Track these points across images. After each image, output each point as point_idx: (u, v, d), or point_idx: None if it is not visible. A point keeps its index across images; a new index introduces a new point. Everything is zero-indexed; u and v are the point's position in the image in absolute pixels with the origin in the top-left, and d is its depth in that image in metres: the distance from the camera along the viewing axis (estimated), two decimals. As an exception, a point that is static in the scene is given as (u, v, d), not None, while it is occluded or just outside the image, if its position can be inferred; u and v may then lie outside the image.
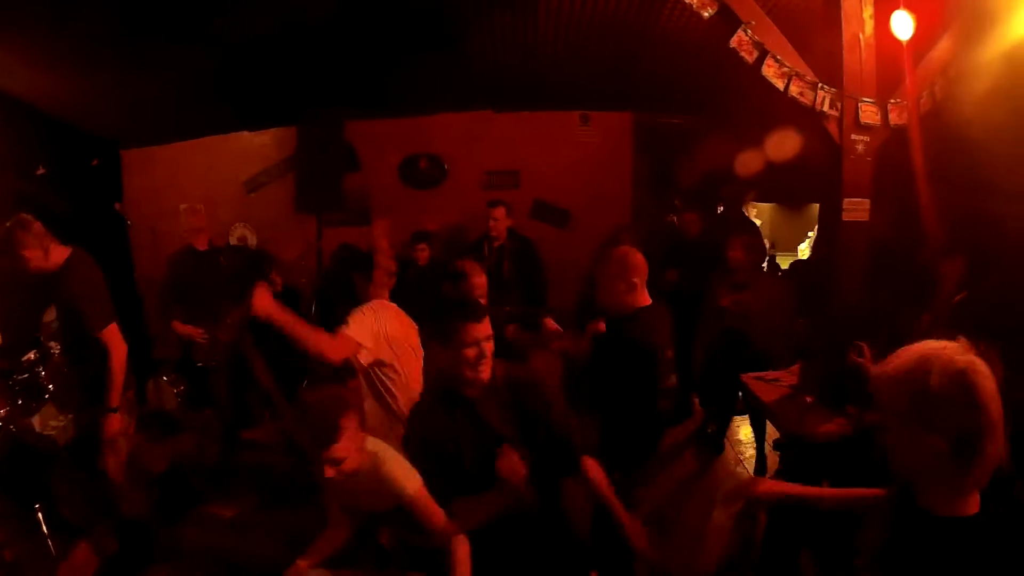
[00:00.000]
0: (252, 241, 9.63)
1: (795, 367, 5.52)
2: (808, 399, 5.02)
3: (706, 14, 4.62)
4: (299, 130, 9.29)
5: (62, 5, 6.02)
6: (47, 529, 5.28)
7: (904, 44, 4.80)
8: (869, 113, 4.74)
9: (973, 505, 2.16)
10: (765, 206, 9.75)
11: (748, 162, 8.11)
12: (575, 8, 6.62)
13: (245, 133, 9.72)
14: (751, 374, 5.78)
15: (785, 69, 4.65)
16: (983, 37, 4.80)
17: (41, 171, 8.52)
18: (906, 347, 2.20)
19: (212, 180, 9.60)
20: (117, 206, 8.11)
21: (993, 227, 4.94)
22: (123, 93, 7.93)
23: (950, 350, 2.12)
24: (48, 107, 8.08)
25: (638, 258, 4.45)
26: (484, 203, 8.23)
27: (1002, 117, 4.72)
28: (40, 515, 5.31)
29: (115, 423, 4.93)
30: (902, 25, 4.75)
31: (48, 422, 6.39)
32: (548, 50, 7.58)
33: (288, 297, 7.87)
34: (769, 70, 4.66)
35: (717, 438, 7.11)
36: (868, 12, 4.72)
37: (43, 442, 6.15)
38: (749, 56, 4.65)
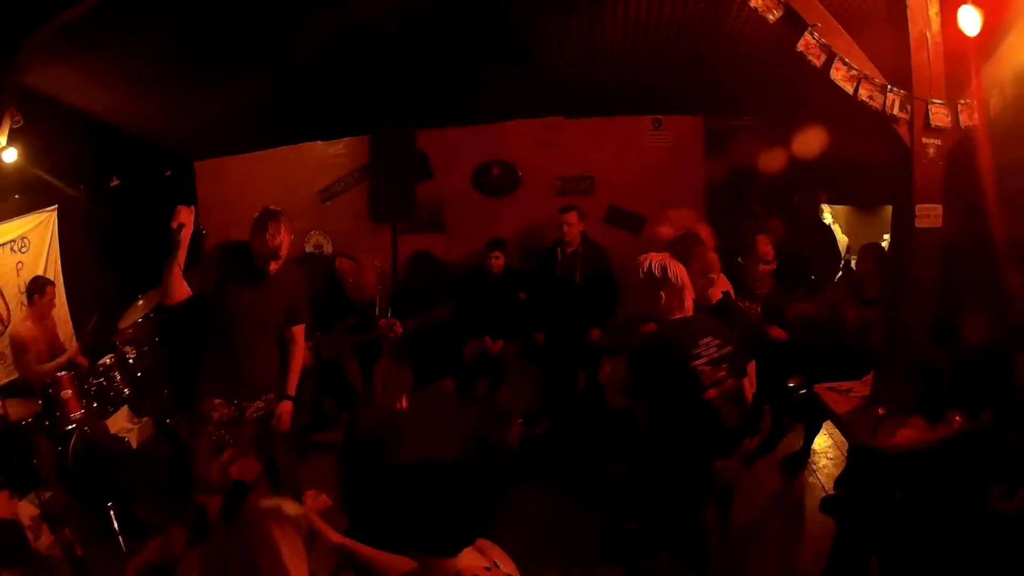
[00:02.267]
0: (328, 248, 9.75)
1: (868, 377, 5.36)
2: (880, 410, 4.89)
3: (771, 17, 4.54)
4: (372, 139, 9.47)
5: (132, 27, 6.20)
6: (118, 527, 5.43)
7: (972, 41, 4.64)
8: (939, 115, 4.58)
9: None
10: (840, 208, 9.50)
11: (819, 164, 7.96)
12: (641, 12, 6.58)
13: (318, 143, 9.85)
14: (824, 384, 5.63)
15: (854, 72, 4.53)
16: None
17: (115, 183, 8.77)
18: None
19: (286, 189, 9.71)
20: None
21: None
22: (194, 108, 8.14)
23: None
24: (121, 123, 8.31)
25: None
26: (557, 209, 8.26)
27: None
28: (112, 514, 5.46)
29: (288, 408, 5.45)
30: (969, 21, 4.56)
31: (123, 424, 6.58)
32: (617, 55, 7.56)
33: (364, 305, 8.02)
34: (837, 73, 4.54)
35: (803, 452, 6.99)
36: (934, 9, 4.54)
37: (116, 444, 6.36)
38: (817, 60, 4.55)
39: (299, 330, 5.52)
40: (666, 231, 6.65)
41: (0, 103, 6.65)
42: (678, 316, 4.41)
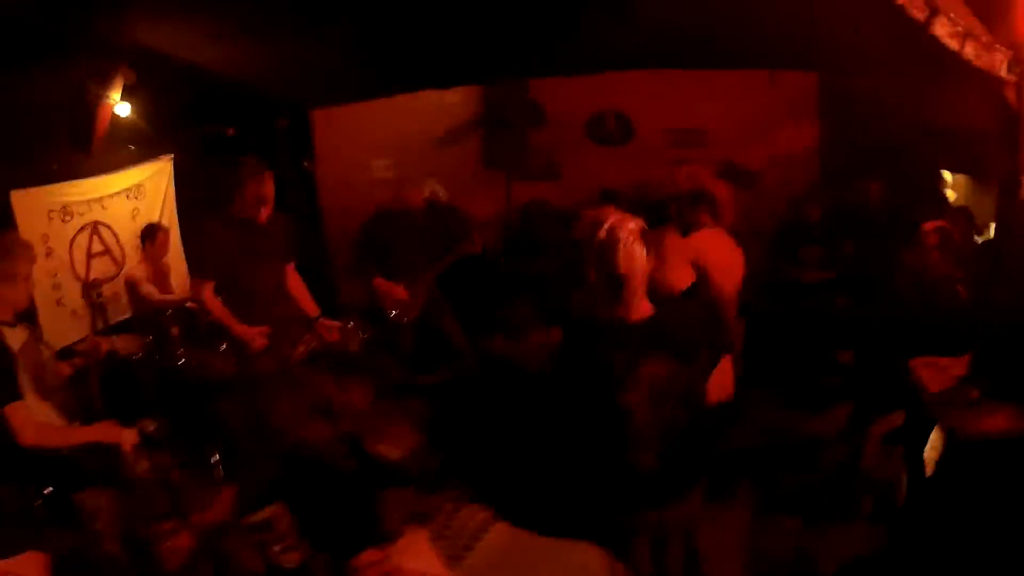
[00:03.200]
0: (443, 196, 9.82)
1: (967, 356, 5.09)
2: (974, 393, 4.64)
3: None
4: (486, 88, 9.57)
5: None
6: (218, 457, 5.62)
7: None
8: (1050, 79, 4.31)
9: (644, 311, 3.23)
10: (960, 178, 9.03)
11: (939, 130, 7.57)
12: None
13: (432, 91, 9.79)
14: (921, 359, 5.36)
15: (959, 28, 4.27)
16: None
17: (230, 133, 9.02)
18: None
19: (400, 137, 9.85)
20: (306, 163, 8.58)
21: None
22: (307, 57, 8.20)
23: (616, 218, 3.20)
24: (233, 74, 8.44)
25: None
26: (669, 162, 8.15)
27: None
28: (212, 446, 5.65)
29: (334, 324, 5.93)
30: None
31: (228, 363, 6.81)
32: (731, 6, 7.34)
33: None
34: (942, 29, 4.27)
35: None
36: (1049, -37, 4.27)
37: (221, 381, 6.57)
38: (920, 13, 4.28)
39: (290, 267, 5.86)
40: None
41: (112, 62, 6.93)
42: (618, 315, 3.28)
